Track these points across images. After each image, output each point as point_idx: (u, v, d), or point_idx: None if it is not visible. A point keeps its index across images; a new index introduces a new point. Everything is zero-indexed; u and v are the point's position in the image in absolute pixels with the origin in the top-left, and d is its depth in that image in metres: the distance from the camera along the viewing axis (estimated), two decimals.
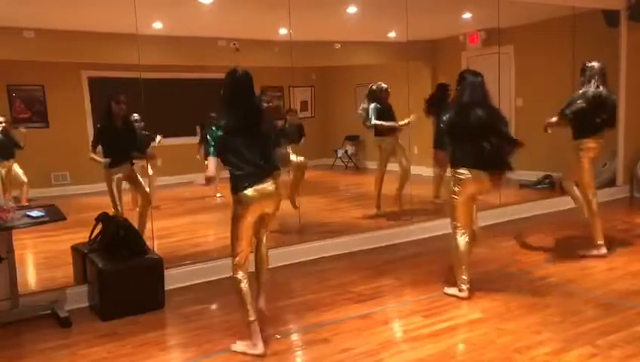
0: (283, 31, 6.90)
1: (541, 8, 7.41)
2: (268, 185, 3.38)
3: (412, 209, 6.93)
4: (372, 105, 6.82)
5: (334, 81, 10.85)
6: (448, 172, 4.37)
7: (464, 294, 4.13)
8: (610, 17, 7.69)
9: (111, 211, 4.70)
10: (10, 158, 7.07)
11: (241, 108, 3.37)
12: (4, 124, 7.13)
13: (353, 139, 11.09)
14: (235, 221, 3.38)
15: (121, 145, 5.36)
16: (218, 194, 8.79)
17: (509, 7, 7.13)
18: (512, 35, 8.29)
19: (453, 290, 4.21)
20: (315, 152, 9.47)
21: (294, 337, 3.69)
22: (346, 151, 11.09)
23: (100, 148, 5.38)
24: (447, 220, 6.36)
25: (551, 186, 8.06)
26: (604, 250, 5.02)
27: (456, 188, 4.13)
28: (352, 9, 7.17)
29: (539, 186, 8.03)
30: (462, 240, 4.19)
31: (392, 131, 6.95)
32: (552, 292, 4.22)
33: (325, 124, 10.68)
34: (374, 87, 6.98)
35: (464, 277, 4.16)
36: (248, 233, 3.41)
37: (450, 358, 3.24)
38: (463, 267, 4.16)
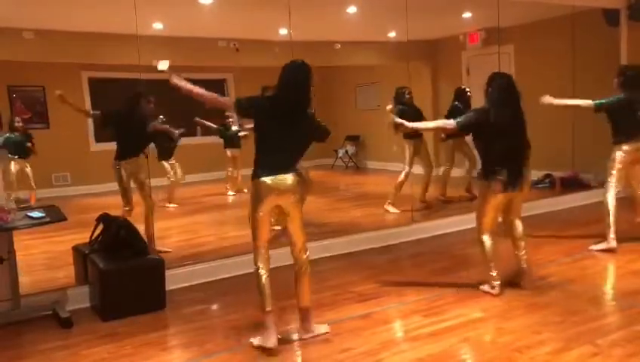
0: (283, 31, 6.91)
1: (541, 7, 7.41)
2: (288, 178, 3.36)
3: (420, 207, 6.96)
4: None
5: (335, 81, 10.85)
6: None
7: (495, 291, 4.12)
8: (611, 16, 7.69)
9: (111, 211, 4.70)
10: (24, 157, 7.35)
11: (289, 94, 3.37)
12: (21, 123, 7.40)
13: (354, 139, 11.10)
14: (252, 208, 3.38)
15: (130, 138, 5.45)
16: (229, 192, 8.82)
17: (509, 6, 7.13)
18: (512, 34, 8.30)
19: (486, 287, 4.20)
20: (315, 152, 9.48)
21: (295, 337, 3.69)
22: (346, 151, 11.10)
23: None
24: (447, 220, 6.42)
25: (551, 185, 8.06)
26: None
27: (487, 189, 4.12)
28: (352, 9, 7.18)
29: (539, 185, 8.03)
30: (487, 238, 4.19)
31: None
32: (552, 291, 4.21)
33: (326, 123, 10.69)
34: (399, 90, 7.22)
35: (493, 273, 4.14)
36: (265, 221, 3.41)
37: (451, 358, 3.24)
38: (492, 264, 4.15)
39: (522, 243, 4.32)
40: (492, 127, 4.02)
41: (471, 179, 7.62)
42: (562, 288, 4.27)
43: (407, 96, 7.14)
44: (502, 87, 4.10)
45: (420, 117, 7.06)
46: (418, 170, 7.46)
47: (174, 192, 8.15)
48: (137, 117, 5.48)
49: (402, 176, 7.16)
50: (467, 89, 7.76)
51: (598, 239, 5.30)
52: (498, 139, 4.01)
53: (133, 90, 5.81)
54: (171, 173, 7.93)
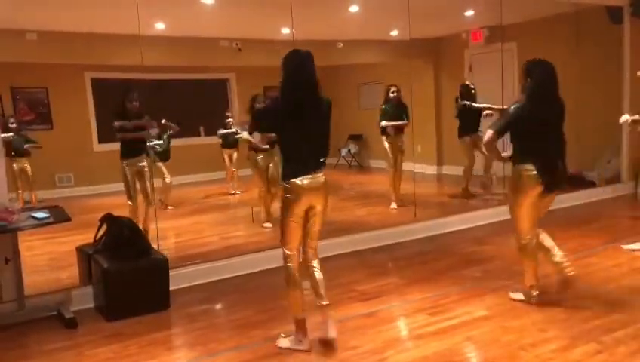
0: (285, 30, 6.91)
1: (544, 5, 7.40)
2: (319, 177, 3.25)
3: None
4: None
5: (337, 80, 10.83)
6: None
7: (533, 301, 3.89)
8: (614, 14, 7.67)
9: (115, 212, 4.71)
10: (23, 156, 7.41)
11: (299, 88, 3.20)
12: (15, 124, 7.44)
13: (356, 138, 11.09)
14: (283, 212, 3.27)
15: (132, 139, 5.53)
16: (232, 191, 8.82)
17: (512, 4, 7.11)
18: (515, 32, 8.27)
19: (520, 295, 3.98)
20: None
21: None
22: (349, 150, 11.09)
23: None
24: (451, 218, 6.41)
25: None
26: None
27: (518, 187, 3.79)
28: (354, 8, 7.17)
29: None
30: (529, 244, 3.86)
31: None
32: (556, 289, 4.20)
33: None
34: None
35: (533, 282, 3.90)
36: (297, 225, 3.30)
37: (456, 356, 3.24)
38: (534, 272, 3.89)
39: (554, 250, 3.88)
40: (529, 123, 3.70)
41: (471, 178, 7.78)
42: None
43: (392, 94, 7.19)
44: (541, 79, 3.73)
45: (401, 115, 7.19)
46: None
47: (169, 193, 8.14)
48: (129, 117, 5.52)
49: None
50: (472, 85, 7.78)
51: (601, 238, 5.29)
52: (535, 135, 3.70)
53: (136, 90, 5.82)
54: (167, 175, 7.89)
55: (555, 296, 3.89)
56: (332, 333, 3.36)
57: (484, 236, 5.93)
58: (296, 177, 3.19)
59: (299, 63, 3.23)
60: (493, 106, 7.40)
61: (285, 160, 3.30)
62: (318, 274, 3.40)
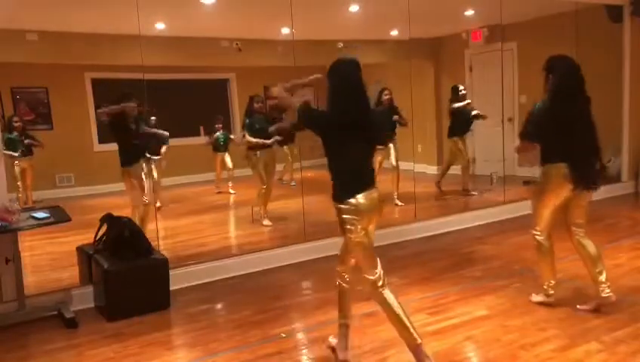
0: (285, 30, 6.91)
1: (544, 4, 7.40)
2: (374, 193, 2.98)
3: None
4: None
5: None
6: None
7: (550, 299, 3.87)
8: (614, 13, 7.67)
9: (115, 212, 4.71)
10: (25, 156, 7.36)
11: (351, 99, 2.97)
12: (19, 123, 7.39)
13: None
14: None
15: (133, 145, 5.51)
16: (231, 191, 8.82)
17: (512, 3, 7.12)
18: (515, 31, 8.27)
19: (540, 297, 3.93)
20: (316, 151, 9.50)
21: (300, 336, 3.70)
22: None
23: None
24: (451, 217, 6.41)
25: None
26: None
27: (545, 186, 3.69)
28: (354, 7, 7.17)
29: None
30: (545, 242, 3.86)
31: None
32: (557, 288, 4.20)
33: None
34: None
35: (552, 282, 3.86)
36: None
37: (456, 356, 3.24)
38: (554, 269, 3.88)
39: (598, 264, 3.72)
40: (555, 122, 3.56)
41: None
42: (567, 285, 4.26)
43: (386, 97, 7.20)
44: (564, 75, 3.59)
45: (390, 116, 7.18)
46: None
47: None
48: (126, 123, 5.47)
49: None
50: (460, 87, 7.84)
51: (601, 238, 5.28)
52: (563, 133, 3.55)
53: (136, 90, 5.81)
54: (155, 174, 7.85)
55: (571, 302, 3.87)
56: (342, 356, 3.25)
57: (484, 236, 5.93)
58: (352, 197, 2.91)
59: (353, 82, 3.03)
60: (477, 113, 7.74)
61: (336, 177, 3.01)
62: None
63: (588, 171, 3.60)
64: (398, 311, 2.93)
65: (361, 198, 2.90)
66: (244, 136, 6.66)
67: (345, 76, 3.01)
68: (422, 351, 2.91)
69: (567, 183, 3.59)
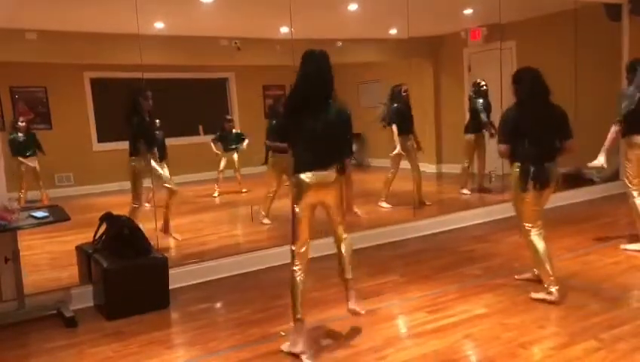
0: (284, 29, 6.92)
1: (543, 3, 7.41)
2: (327, 174, 3.25)
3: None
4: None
5: (336, 79, 10.81)
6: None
7: (553, 297, 3.85)
8: (612, 11, 7.68)
9: (114, 211, 4.71)
10: (30, 156, 7.45)
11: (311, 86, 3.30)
12: (24, 123, 7.46)
13: (356, 136, 11.09)
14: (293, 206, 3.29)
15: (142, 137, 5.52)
16: (244, 189, 8.81)
17: (511, 2, 7.12)
18: (514, 30, 8.28)
19: (540, 295, 3.94)
20: None
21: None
22: None
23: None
24: (450, 216, 6.42)
25: None
26: None
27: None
28: (353, 6, 7.17)
29: None
30: (536, 239, 3.96)
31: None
32: (558, 285, 4.21)
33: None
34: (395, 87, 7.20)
35: (550, 277, 3.89)
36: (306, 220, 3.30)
37: (455, 354, 3.25)
38: (547, 265, 3.92)
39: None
40: (518, 125, 3.90)
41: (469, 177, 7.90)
42: (566, 282, 4.26)
43: (404, 93, 7.12)
44: (528, 84, 3.90)
45: (411, 114, 7.14)
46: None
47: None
48: (138, 115, 5.48)
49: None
50: (482, 82, 7.76)
51: (599, 236, 5.30)
52: (523, 137, 3.86)
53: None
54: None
55: (570, 301, 3.89)
56: (352, 304, 3.51)
57: (483, 234, 5.93)
58: (301, 173, 3.23)
59: (317, 68, 3.38)
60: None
61: (294, 155, 3.35)
62: (345, 249, 3.53)
63: (541, 171, 3.87)
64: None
65: (307, 177, 3.20)
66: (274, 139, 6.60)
67: (311, 64, 3.35)
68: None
69: (524, 182, 3.90)
